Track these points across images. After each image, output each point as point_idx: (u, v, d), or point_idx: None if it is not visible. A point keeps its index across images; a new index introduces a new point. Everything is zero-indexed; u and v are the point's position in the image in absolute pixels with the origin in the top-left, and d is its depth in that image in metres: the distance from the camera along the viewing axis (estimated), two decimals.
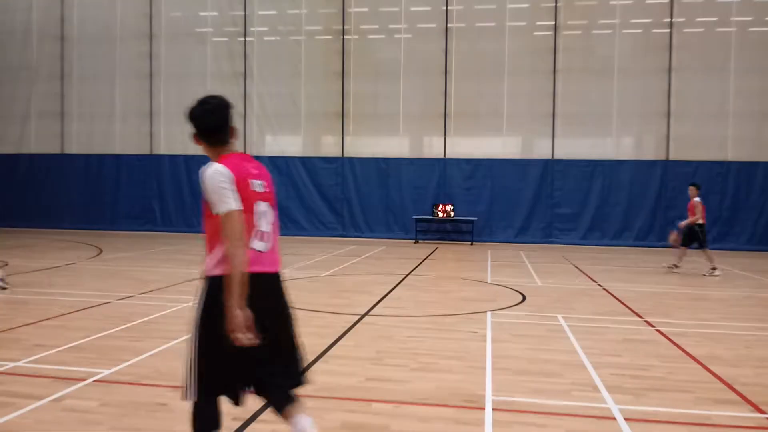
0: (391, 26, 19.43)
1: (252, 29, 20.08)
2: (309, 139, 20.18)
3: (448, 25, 18.94)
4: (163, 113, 20.66)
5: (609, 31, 18.32)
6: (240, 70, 20.09)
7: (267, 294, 2.94)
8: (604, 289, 9.69)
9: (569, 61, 18.35)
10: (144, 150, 20.78)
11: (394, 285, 9.73)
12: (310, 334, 6.23)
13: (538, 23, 18.66)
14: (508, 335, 6.35)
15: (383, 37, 19.52)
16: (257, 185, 3.03)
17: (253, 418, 3.89)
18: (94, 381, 4.58)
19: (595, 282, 10.55)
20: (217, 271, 2.83)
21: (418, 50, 19.21)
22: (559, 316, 7.34)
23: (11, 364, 4.96)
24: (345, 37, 19.49)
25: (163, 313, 7.23)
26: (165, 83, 20.57)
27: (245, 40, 20.06)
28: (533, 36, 18.71)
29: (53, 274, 10.52)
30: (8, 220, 20.91)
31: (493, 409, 4.14)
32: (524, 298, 8.69)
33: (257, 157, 19.85)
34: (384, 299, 8.41)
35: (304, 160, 19.82)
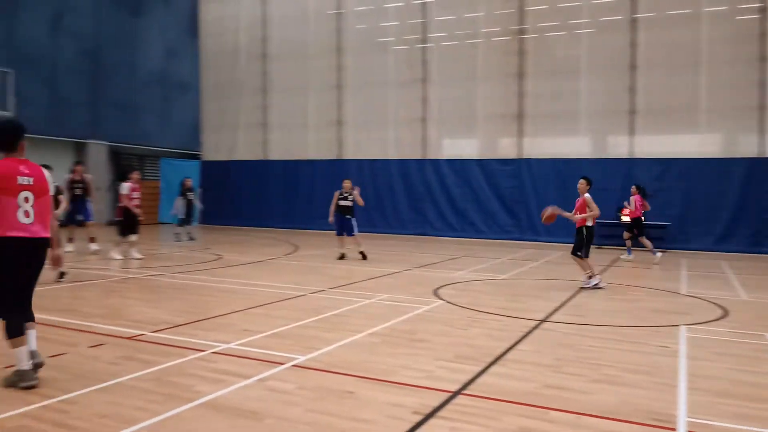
0: (571, 21, 18.65)
1: (430, 35, 20.59)
2: (485, 142, 20.14)
3: (636, 15, 17.67)
4: (350, 121, 22.05)
5: None
6: (419, 76, 20.69)
7: (29, 250, 4.46)
8: None
9: None
10: (333, 155, 22.35)
11: (575, 292, 9.36)
12: (485, 336, 6.28)
13: (741, 6, 16.62)
14: (706, 352, 5.79)
15: (563, 34, 18.80)
16: (24, 180, 4.42)
17: (432, 413, 4.05)
18: (292, 365, 5.05)
19: None
20: None
21: (602, 45, 18.17)
22: None
23: (224, 346, 5.66)
24: (523, 36, 19.15)
25: (350, 307, 7.76)
26: (352, 93, 21.94)
27: (424, 47, 20.63)
28: (735, 21, 16.69)
29: (258, 267, 11.79)
30: (223, 219, 23.93)
31: None
32: (726, 312, 7.85)
33: (435, 161, 20.39)
34: (563, 306, 8.15)
35: (481, 163, 19.82)
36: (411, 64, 20.88)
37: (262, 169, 23.64)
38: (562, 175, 18.55)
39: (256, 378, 4.70)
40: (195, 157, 26.75)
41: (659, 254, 13.63)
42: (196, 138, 26.93)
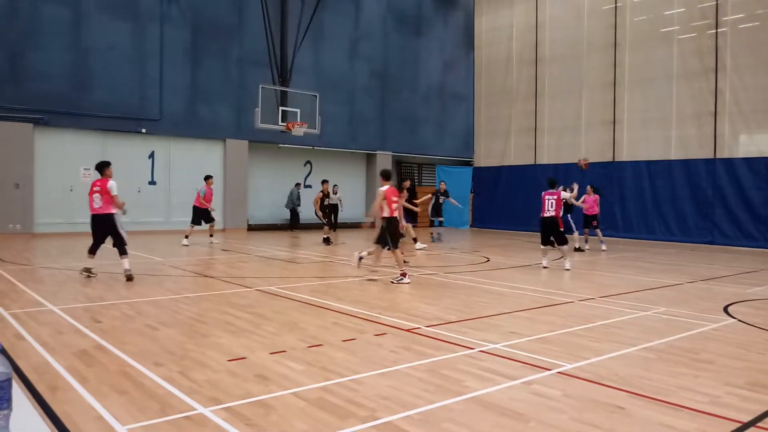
0: None
1: (724, 18, 18.14)
2: None
3: None
4: (626, 120, 20.67)
5: None
6: (710, 65, 18.41)
7: (100, 220, 9.92)
8: None
9: None
10: (607, 157, 21.21)
11: None
12: None
13: None
14: None
15: None
16: (96, 188, 9.76)
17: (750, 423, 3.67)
18: (558, 372, 5.01)
19: None
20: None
21: None
22: None
23: (491, 345, 5.86)
24: None
25: (622, 318, 7.35)
26: (628, 90, 20.56)
27: (716, 32, 18.28)
28: None
29: (524, 271, 11.87)
30: (493, 222, 24.57)
31: None
32: None
33: (727, 160, 17.96)
34: None
35: None
36: (700, 54, 18.68)
37: (532, 174, 23.56)
38: None
39: (521, 380, 4.78)
40: (468, 163, 27.94)
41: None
42: (469, 145, 28.14)
